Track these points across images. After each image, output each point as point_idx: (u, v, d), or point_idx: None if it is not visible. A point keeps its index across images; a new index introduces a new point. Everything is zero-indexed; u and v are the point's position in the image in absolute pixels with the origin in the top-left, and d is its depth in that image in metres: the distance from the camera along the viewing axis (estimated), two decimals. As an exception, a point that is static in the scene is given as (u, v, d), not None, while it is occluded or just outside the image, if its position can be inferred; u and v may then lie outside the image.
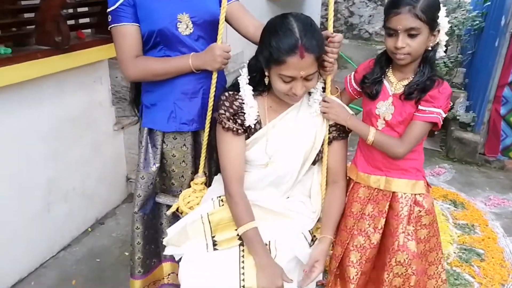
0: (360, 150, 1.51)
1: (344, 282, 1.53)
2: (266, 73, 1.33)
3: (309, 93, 1.43)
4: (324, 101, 1.40)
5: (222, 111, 1.38)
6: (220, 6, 1.43)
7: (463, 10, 4.85)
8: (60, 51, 1.91)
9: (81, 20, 2.30)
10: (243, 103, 1.38)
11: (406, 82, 1.36)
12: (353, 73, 1.52)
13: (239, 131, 1.38)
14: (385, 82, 1.40)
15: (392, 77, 1.39)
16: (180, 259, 1.41)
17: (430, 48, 1.32)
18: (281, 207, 1.43)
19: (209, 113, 1.49)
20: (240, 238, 1.34)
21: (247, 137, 1.42)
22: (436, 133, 3.96)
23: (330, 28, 1.36)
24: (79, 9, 2.25)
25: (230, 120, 1.38)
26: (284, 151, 1.41)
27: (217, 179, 1.57)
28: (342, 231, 1.52)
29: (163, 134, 1.57)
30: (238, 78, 1.41)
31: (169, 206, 1.68)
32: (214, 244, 1.34)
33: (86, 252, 2.25)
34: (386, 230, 1.45)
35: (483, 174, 3.28)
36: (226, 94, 1.40)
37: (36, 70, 1.85)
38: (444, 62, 4.00)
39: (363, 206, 1.48)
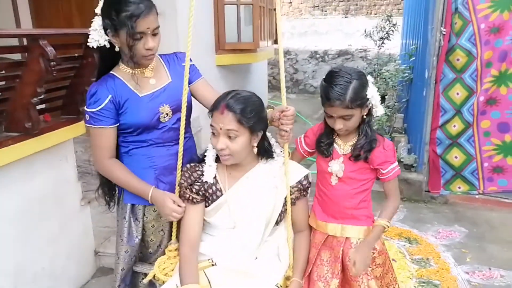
0: (317, 199, 1.70)
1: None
2: None
3: (267, 157, 1.59)
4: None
5: (182, 181, 1.55)
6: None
7: (394, 63, 5.46)
8: (29, 136, 2.00)
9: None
10: (202, 175, 1.55)
11: (351, 143, 1.58)
12: (302, 136, 1.74)
13: (195, 200, 1.54)
14: (334, 144, 1.62)
15: (339, 139, 1.61)
16: None
17: (364, 116, 1.54)
18: (249, 267, 1.54)
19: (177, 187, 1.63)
20: None
21: (209, 205, 1.56)
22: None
23: (284, 103, 1.55)
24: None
25: (188, 190, 1.54)
26: (247, 215, 1.55)
27: None
28: (305, 277, 1.66)
29: (144, 207, 1.67)
30: (208, 146, 1.58)
31: (145, 274, 1.74)
32: None
33: (59, 334, 2.20)
34: (345, 274, 1.61)
35: (430, 210, 3.57)
36: (188, 165, 1.58)
37: (7, 157, 1.92)
38: (384, 111, 4.42)
39: (319, 251, 1.64)
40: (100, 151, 1.57)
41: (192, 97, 1.72)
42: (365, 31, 5.85)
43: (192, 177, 1.55)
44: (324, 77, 1.53)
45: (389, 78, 4.91)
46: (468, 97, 3.51)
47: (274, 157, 1.58)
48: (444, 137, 3.67)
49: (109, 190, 1.78)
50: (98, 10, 1.49)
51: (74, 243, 2.52)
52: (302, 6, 10.39)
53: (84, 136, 3.79)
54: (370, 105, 1.53)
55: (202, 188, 1.54)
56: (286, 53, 8.33)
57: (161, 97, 1.61)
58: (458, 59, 3.42)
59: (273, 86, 8.28)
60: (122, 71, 1.58)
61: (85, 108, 1.54)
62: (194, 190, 1.54)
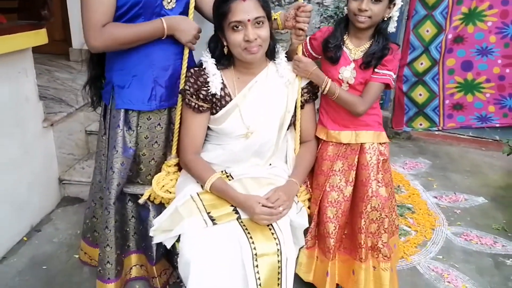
0: (325, 111, 1.63)
1: (323, 240, 1.63)
2: (223, 40, 1.38)
3: (273, 58, 1.50)
4: (295, 60, 1.48)
5: (187, 87, 1.42)
6: None
7: None
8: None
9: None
10: (208, 78, 1.41)
11: (363, 49, 1.51)
12: (308, 38, 1.63)
13: (201, 108, 1.42)
14: (344, 48, 1.53)
15: (350, 44, 1.53)
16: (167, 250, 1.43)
17: (385, 19, 1.47)
18: (267, 174, 1.48)
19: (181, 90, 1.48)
20: (236, 212, 1.34)
21: (217, 111, 1.45)
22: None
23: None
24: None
25: (194, 97, 1.42)
26: (261, 119, 1.46)
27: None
28: (315, 190, 1.63)
29: (138, 114, 1.49)
30: (201, 58, 1.45)
31: (133, 195, 1.61)
32: (212, 219, 1.31)
33: (27, 262, 2.01)
34: (357, 181, 1.60)
35: (395, 145, 3.69)
36: (192, 70, 1.43)
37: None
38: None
39: (332, 163, 1.60)
40: (94, 22, 1.31)
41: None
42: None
43: (198, 82, 1.41)
44: None
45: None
46: (437, 34, 3.54)
47: (278, 58, 1.50)
48: (411, 74, 3.69)
49: (98, 88, 1.60)
50: None
51: (37, 170, 2.27)
52: None
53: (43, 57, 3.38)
54: (392, 7, 1.45)
55: (210, 94, 1.42)
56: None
57: None
58: (431, -6, 3.41)
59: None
60: None
61: None
62: (201, 97, 1.42)
